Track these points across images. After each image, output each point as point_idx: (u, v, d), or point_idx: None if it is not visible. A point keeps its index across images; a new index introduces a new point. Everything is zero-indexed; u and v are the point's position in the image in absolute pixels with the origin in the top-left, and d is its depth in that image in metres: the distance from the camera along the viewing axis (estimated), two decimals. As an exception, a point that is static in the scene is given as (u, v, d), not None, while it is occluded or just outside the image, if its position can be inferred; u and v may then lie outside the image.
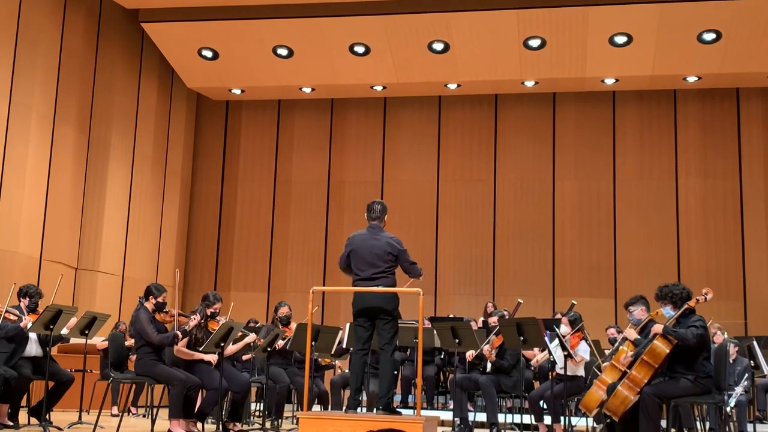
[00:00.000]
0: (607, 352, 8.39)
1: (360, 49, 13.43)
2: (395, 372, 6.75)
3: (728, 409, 8.05)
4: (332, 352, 9.12)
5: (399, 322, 6.66)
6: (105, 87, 13.19)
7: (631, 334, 6.44)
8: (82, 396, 8.57)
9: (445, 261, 14.81)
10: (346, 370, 10.15)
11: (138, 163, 14.01)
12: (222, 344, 7.42)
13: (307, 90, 14.97)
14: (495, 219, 14.81)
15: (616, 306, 13.93)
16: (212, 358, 7.50)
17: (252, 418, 9.44)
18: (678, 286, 6.25)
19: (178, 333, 7.32)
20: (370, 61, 13.73)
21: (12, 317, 7.76)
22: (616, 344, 7.17)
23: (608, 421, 6.38)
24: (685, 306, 6.10)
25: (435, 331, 9.09)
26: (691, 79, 13.85)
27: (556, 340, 7.87)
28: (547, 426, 8.38)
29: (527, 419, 8.94)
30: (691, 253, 14.17)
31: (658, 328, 5.97)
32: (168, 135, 14.95)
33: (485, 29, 12.71)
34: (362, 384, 6.52)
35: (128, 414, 10.86)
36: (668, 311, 6.20)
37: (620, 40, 12.76)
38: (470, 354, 8.88)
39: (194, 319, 7.46)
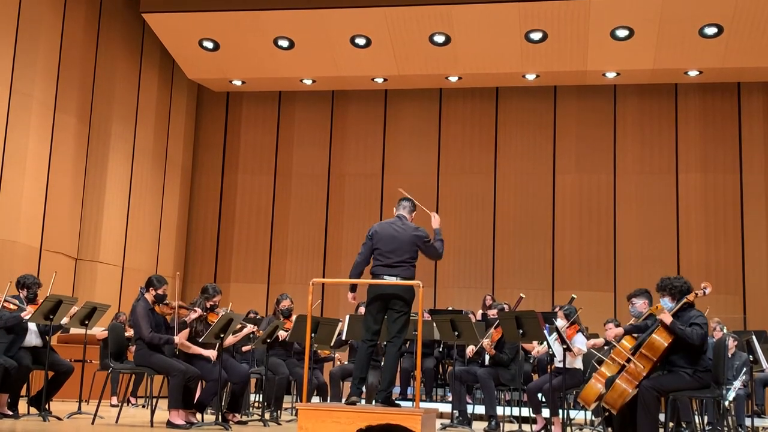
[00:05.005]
0: (606, 347, 8.40)
1: (361, 41, 13.40)
2: (398, 366, 6.73)
3: (726, 403, 8.06)
4: (331, 344, 9.14)
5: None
6: (106, 77, 13.18)
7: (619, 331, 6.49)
8: (81, 386, 8.58)
9: (445, 253, 14.76)
10: (346, 362, 10.17)
11: (138, 154, 14.00)
12: (222, 335, 7.43)
13: (308, 82, 14.95)
14: (495, 212, 14.80)
15: (616, 300, 13.94)
16: (212, 354, 7.50)
17: (251, 409, 9.45)
18: (680, 279, 6.27)
19: (173, 338, 7.31)
20: (371, 53, 13.70)
21: (11, 307, 7.76)
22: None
23: (606, 414, 6.39)
24: (684, 300, 6.11)
25: (434, 324, 9.10)
26: (693, 73, 13.83)
27: (555, 334, 7.88)
28: (545, 419, 8.39)
29: (525, 412, 8.95)
30: (691, 248, 14.17)
31: (667, 318, 5.94)
32: (168, 126, 14.93)
33: (486, 22, 12.69)
34: (366, 374, 6.47)
35: (127, 404, 10.88)
36: (666, 303, 6.20)
37: (622, 33, 12.73)
38: (470, 350, 8.90)
39: (195, 312, 7.46)
